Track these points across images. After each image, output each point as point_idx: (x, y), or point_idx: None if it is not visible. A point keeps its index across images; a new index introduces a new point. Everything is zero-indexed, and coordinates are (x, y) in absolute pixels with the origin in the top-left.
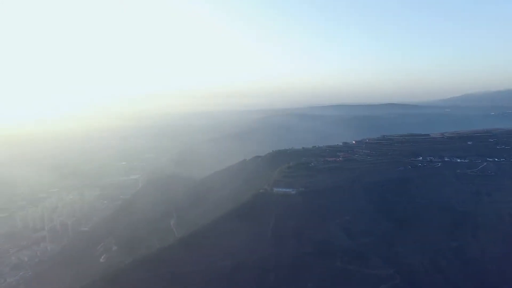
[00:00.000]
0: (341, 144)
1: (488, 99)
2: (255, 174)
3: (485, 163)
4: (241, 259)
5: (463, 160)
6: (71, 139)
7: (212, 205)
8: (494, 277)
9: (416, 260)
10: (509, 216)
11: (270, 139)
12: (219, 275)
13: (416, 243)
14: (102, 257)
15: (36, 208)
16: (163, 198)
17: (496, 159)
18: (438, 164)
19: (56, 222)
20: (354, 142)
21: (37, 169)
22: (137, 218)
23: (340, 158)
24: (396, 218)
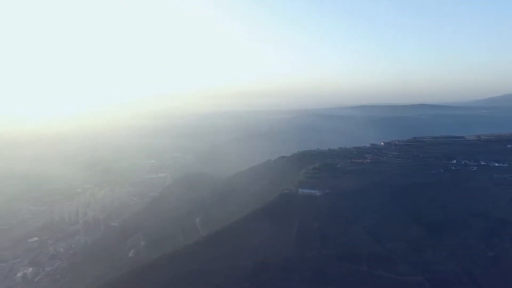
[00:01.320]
0: (368, 145)
1: None
2: (280, 174)
3: None
4: (265, 259)
5: (501, 165)
6: (103, 137)
7: (237, 204)
8: None
9: (448, 268)
10: None
11: (295, 140)
12: (243, 274)
13: (448, 251)
14: (131, 251)
15: (71, 202)
16: (189, 196)
17: None
18: (474, 168)
19: (89, 217)
20: (382, 143)
21: (73, 166)
22: (164, 215)
23: (368, 160)
24: (427, 223)
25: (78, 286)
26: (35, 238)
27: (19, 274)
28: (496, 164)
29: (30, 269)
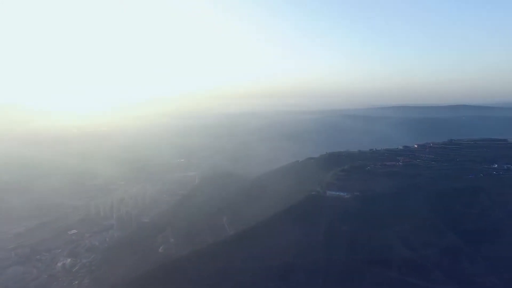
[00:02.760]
0: (401, 147)
1: None
2: (307, 175)
3: None
4: (291, 260)
5: None
6: (138, 136)
7: (264, 204)
8: None
9: (487, 279)
10: None
11: (324, 141)
12: (269, 274)
13: (488, 261)
14: (161, 247)
15: (107, 198)
16: (217, 195)
17: None
18: None
19: (122, 212)
20: (416, 146)
21: (110, 163)
22: (193, 213)
23: (400, 163)
24: (465, 231)
25: (111, 279)
26: (74, 231)
27: (59, 264)
28: None
29: (69, 259)
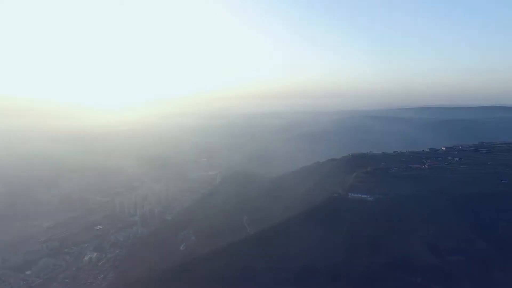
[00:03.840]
0: (427, 150)
1: None
2: (329, 177)
3: None
4: (311, 262)
5: None
6: (161, 135)
7: (284, 205)
8: None
9: None
10: None
11: (346, 142)
12: (288, 275)
13: None
14: (182, 245)
15: (130, 195)
16: (237, 194)
17: None
18: None
19: (145, 209)
20: (443, 148)
21: (133, 160)
22: (213, 212)
23: (426, 166)
24: (496, 238)
25: (134, 274)
26: (100, 226)
27: (86, 258)
28: None
29: (95, 254)
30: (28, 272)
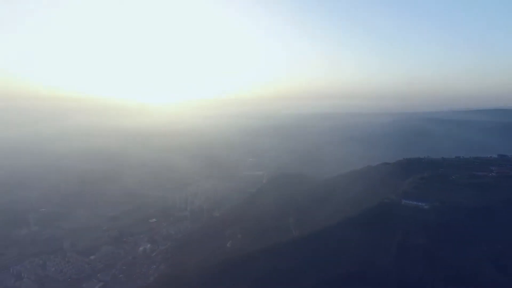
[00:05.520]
0: (495, 156)
1: None
2: (381, 182)
3: None
4: (358, 270)
5: None
6: (212, 134)
7: (332, 208)
8: None
9: None
10: None
11: (400, 145)
12: (333, 281)
13: None
14: (229, 242)
15: (182, 191)
16: (284, 196)
17: None
18: None
19: (195, 206)
20: None
21: (186, 158)
22: (260, 212)
23: (493, 173)
24: None
25: (183, 267)
26: (154, 219)
27: (141, 248)
28: None
29: (149, 245)
30: (92, 257)
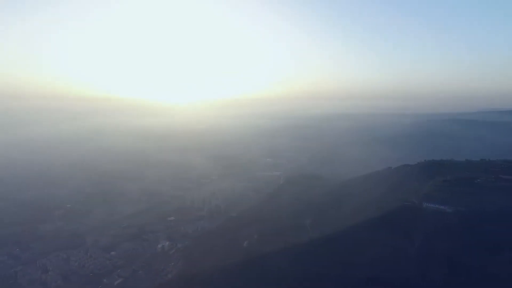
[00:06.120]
0: None
1: None
2: (401, 184)
3: None
4: (378, 274)
5: None
6: (230, 134)
7: (351, 210)
8: None
9: None
10: None
11: (422, 147)
12: (353, 285)
13: None
14: (245, 242)
15: (199, 190)
16: (301, 196)
17: None
18: None
19: (212, 205)
20: None
21: (203, 158)
22: (276, 212)
23: None
24: None
25: (201, 265)
26: (172, 218)
27: (159, 245)
28: None
29: (167, 242)
30: (112, 253)
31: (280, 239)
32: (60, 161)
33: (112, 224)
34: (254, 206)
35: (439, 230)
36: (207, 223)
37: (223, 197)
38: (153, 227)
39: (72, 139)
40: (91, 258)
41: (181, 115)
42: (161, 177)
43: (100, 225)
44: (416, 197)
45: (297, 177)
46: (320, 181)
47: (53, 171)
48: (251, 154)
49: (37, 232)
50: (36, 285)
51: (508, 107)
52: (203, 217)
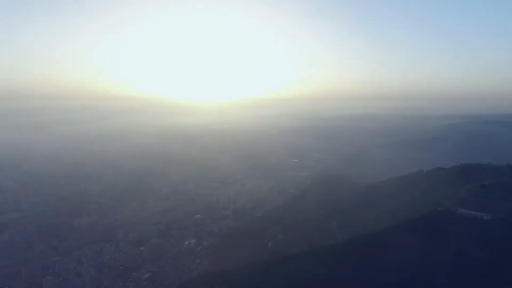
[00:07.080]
0: None
1: None
2: (433, 188)
3: None
4: (408, 279)
5: None
6: (256, 134)
7: (379, 214)
8: None
9: None
10: None
11: (458, 150)
12: None
13: None
14: (270, 242)
15: (225, 190)
16: (328, 198)
17: None
18: None
19: (238, 204)
20: None
21: (229, 157)
22: (302, 213)
23: None
24: None
25: (225, 264)
26: (198, 216)
27: (186, 243)
28: None
29: (194, 240)
30: (141, 248)
31: (305, 240)
32: (94, 158)
33: (142, 220)
34: (279, 206)
35: (474, 238)
36: (233, 222)
37: (248, 197)
38: (180, 224)
39: (104, 137)
40: (122, 252)
41: (207, 114)
42: (188, 175)
43: (131, 221)
44: (450, 202)
45: (325, 178)
46: (348, 183)
47: (88, 168)
48: (277, 154)
49: (73, 225)
50: (72, 275)
51: None
52: (229, 216)
